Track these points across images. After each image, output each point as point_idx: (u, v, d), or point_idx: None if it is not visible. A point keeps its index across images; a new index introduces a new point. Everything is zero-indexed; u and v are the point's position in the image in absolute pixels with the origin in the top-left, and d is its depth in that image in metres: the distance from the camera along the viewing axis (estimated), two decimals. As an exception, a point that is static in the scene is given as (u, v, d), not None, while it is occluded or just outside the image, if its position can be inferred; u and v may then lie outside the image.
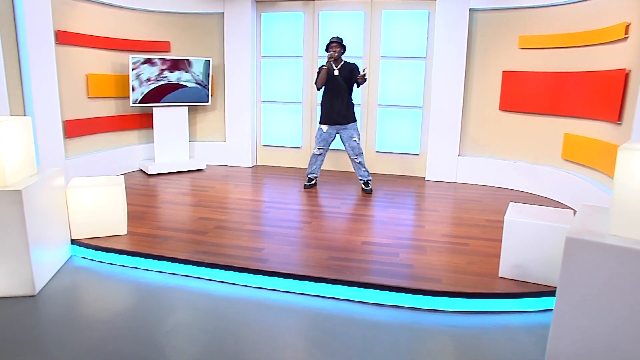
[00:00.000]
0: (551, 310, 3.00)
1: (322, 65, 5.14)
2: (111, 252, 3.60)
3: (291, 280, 3.16)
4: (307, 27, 6.48)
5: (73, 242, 3.72)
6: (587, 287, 2.26)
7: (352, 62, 5.25)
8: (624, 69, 4.11)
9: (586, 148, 4.77)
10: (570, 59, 4.97)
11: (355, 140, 5.26)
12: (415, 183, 6.07)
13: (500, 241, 3.79)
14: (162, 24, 6.39)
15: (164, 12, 6.35)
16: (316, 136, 5.41)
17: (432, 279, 3.12)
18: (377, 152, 6.57)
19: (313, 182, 5.62)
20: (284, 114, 6.85)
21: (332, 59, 5.03)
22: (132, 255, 3.54)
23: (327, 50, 5.12)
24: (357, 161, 5.31)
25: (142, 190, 5.41)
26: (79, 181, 3.90)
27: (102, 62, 5.80)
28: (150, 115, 6.34)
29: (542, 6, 5.26)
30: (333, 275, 3.13)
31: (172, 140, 6.38)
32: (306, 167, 6.83)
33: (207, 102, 6.56)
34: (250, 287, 3.23)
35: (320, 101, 5.38)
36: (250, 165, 6.91)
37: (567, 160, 5.17)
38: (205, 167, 6.59)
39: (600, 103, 4.46)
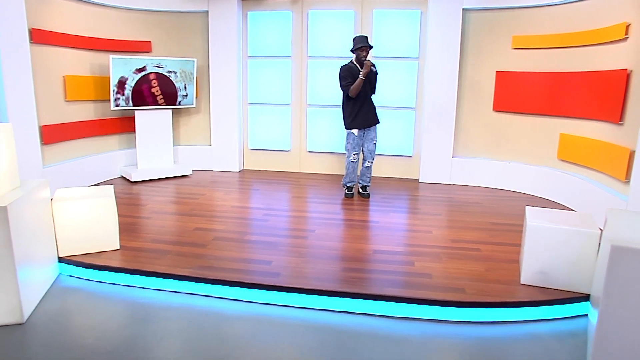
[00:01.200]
0: (579, 316, 2.94)
1: (359, 71, 4.80)
2: (104, 270, 3.31)
3: (307, 296, 2.96)
4: (296, 26, 6.28)
5: (60, 259, 3.41)
6: (634, 296, 2.16)
7: (369, 60, 4.87)
8: (626, 69, 4.11)
9: (584, 148, 4.77)
10: (566, 59, 4.97)
11: (374, 143, 5.10)
12: (409, 185, 5.96)
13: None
14: (142, 23, 6.06)
15: (145, 10, 6.02)
16: (348, 142, 5.07)
17: (454, 289, 2.98)
18: (368, 154, 6.42)
19: (354, 191, 5.40)
20: (271, 116, 6.62)
21: (369, 66, 4.73)
22: (128, 273, 3.26)
23: (353, 51, 4.85)
24: (367, 165, 5.15)
25: (127, 199, 5.08)
26: (65, 192, 3.57)
27: (80, 62, 5.42)
28: (131, 119, 5.99)
29: (535, 6, 5.24)
30: (352, 288, 2.95)
31: (155, 145, 6.05)
32: (295, 170, 6.67)
33: (192, 104, 6.27)
34: (262, 304, 3.01)
35: (345, 105, 5.01)
36: (237, 170, 6.65)
37: (563, 160, 5.17)
38: (191, 172, 6.29)
39: (601, 103, 4.46)
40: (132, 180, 5.75)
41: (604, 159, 4.40)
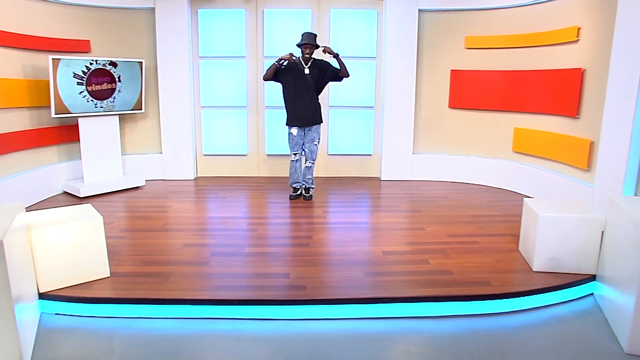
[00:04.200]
0: (586, 296, 3.18)
1: (283, 58, 4.71)
2: (100, 303, 2.89)
3: (344, 306, 2.85)
4: (250, 25, 6.02)
5: (41, 296, 2.91)
6: (669, 275, 2.38)
7: (322, 59, 4.96)
8: (580, 68, 4.54)
9: (541, 141, 5.18)
10: (520, 58, 5.36)
11: (316, 144, 5.03)
12: (373, 184, 6.04)
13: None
14: (79, 20, 5.39)
15: (82, 5, 5.36)
16: (288, 141, 5.04)
17: (481, 283, 3.07)
18: (329, 154, 6.39)
19: (299, 192, 5.22)
20: (227, 119, 6.29)
21: (290, 56, 4.69)
22: (132, 304, 2.88)
23: (299, 46, 4.80)
24: (309, 165, 5.07)
25: (84, 218, 4.49)
26: (37, 217, 3.06)
27: (10, 64, 4.68)
28: (72, 128, 5.32)
29: (487, 8, 5.59)
30: (386, 293, 2.90)
31: (102, 155, 5.44)
32: (253, 175, 6.43)
33: (141, 109, 5.73)
34: (294, 320, 2.84)
35: (284, 101, 4.98)
36: (192, 178, 6.23)
37: (517, 152, 5.58)
38: (144, 183, 5.75)
39: (557, 99, 4.88)
40: (81, 195, 5.11)
41: (563, 150, 4.82)
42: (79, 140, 5.30)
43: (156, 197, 5.30)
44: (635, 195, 3.84)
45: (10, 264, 2.23)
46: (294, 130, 4.94)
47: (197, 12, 5.94)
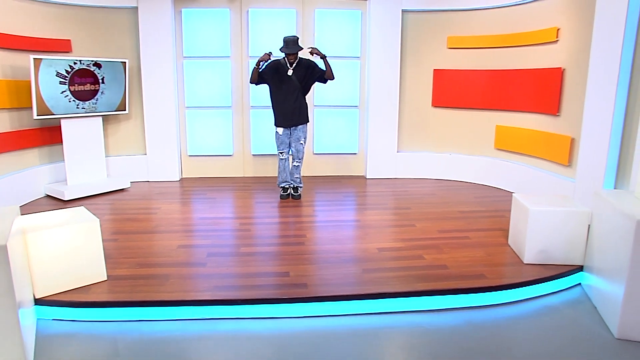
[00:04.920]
0: (574, 286, 3.32)
1: (262, 59, 4.73)
2: (101, 307, 2.84)
3: (346, 302, 2.89)
4: (234, 25, 6.00)
5: (37, 301, 2.84)
6: (657, 263, 2.52)
7: (308, 59, 4.98)
8: (560, 67, 4.72)
9: (522, 138, 5.36)
10: (501, 58, 5.52)
11: (302, 144, 5.07)
12: (359, 182, 6.11)
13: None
14: (59, 19, 5.26)
15: (63, 4, 5.23)
16: (275, 141, 5.06)
17: (476, 276, 3.16)
18: (315, 154, 6.43)
19: (289, 192, 5.23)
20: (211, 120, 6.25)
21: (267, 56, 4.75)
22: (134, 306, 2.85)
23: (281, 50, 4.80)
24: (295, 164, 5.12)
25: (71, 221, 4.39)
26: (31, 221, 2.98)
27: (-12, 64, 4.54)
28: (53, 129, 5.19)
29: (469, 9, 5.73)
30: (387, 288, 2.96)
31: (85, 157, 5.32)
32: (239, 175, 6.41)
33: (125, 110, 5.63)
34: (298, 317, 2.87)
35: (270, 102, 5.01)
36: (177, 179, 6.16)
37: (499, 149, 5.75)
38: (129, 185, 5.65)
39: (538, 98, 5.05)
40: (65, 199, 4.99)
41: (544, 146, 4.99)
42: (60, 142, 5.18)
43: (143, 199, 5.23)
44: (615, 188, 4.02)
45: (15, 269, 2.19)
46: (280, 130, 4.98)
47: (180, 11, 5.87)
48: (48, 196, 5.22)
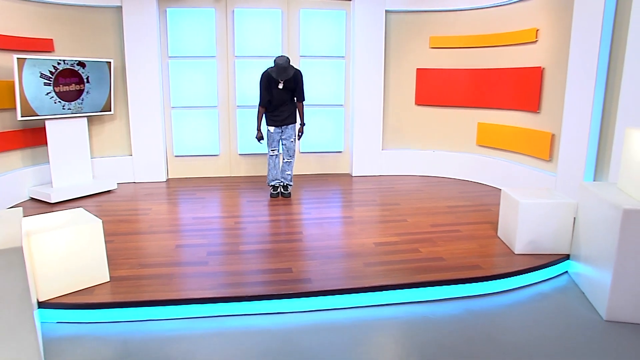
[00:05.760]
0: (565, 272, 3.51)
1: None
2: (105, 308, 2.84)
3: (351, 295, 2.98)
4: (220, 25, 6.00)
5: (40, 305, 2.81)
6: (642, 249, 2.70)
7: (296, 70, 5.01)
8: (540, 66, 4.93)
9: (504, 134, 5.56)
10: (483, 57, 5.71)
11: (292, 141, 5.16)
12: (345, 180, 6.21)
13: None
14: (41, 18, 5.14)
15: (44, 2, 5.12)
16: (267, 139, 5.14)
17: (471, 267, 3.30)
18: (301, 152, 6.49)
19: (279, 190, 5.29)
20: (198, 120, 6.22)
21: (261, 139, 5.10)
22: (143, 306, 2.85)
23: (272, 72, 4.89)
24: (286, 161, 5.22)
25: (61, 224, 4.32)
26: (33, 223, 2.94)
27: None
28: (37, 131, 5.08)
29: (450, 10, 5.90)
30: (390, 281, 3.06)
31: (71, 159, 5.22)
32: (226, 175, 6.41)
33: (110, 110, 5.55)
34: (301, 312, 2.93)
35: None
36: (164, 180, 6.11)
37: (482, 146, 5.95)
38: (116, 186, 5.58)
39: (519, 96, 5.26)
40: (52, 201, 4.89)
41: (525, 142, 5.20)
42: (44, 143, 5.08)
43: (132, 200, 5.17)
44: (594, 180, 4.25)
45: (28, 273, 2.17)
46: (272, 128, 5.09)
47: (165, 11, 5.83)
48: (33, 199, 5.11)
